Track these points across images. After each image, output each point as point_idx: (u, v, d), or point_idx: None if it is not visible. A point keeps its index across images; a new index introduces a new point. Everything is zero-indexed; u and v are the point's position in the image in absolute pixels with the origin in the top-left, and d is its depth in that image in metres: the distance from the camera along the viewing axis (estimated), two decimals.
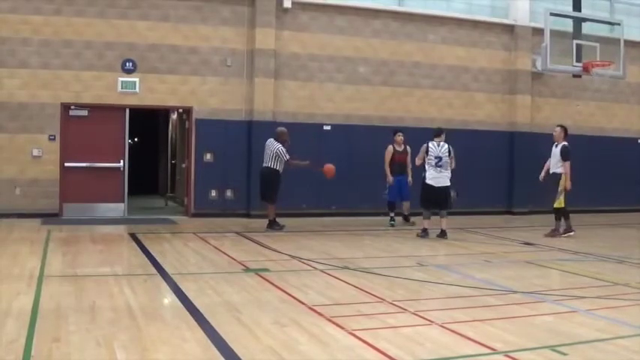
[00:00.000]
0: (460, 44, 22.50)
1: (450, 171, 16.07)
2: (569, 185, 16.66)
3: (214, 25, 19.63)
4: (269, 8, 19.88)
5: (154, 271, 11.32)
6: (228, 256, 12.99)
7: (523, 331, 7.99)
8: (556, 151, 16.96)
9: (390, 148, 18.71)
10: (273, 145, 17.18)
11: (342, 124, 20.75)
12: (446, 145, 16.06)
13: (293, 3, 20.13)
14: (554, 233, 16.88)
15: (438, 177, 15.96)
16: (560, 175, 16.70)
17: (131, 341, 7.11)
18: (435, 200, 16.08)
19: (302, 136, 19.44)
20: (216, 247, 14.09)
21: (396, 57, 21.57)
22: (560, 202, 16.78)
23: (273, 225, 17.27)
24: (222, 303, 8.96)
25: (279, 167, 17.16)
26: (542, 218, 18.92)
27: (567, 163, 16.70)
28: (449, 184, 16.14)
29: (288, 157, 17.14)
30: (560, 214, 16.95)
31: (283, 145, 17.17)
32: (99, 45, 18.67)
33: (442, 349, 7.19)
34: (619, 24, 21.92)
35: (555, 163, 16.89)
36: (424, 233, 16.19)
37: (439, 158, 15.92)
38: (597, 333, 7.89)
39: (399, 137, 18.78)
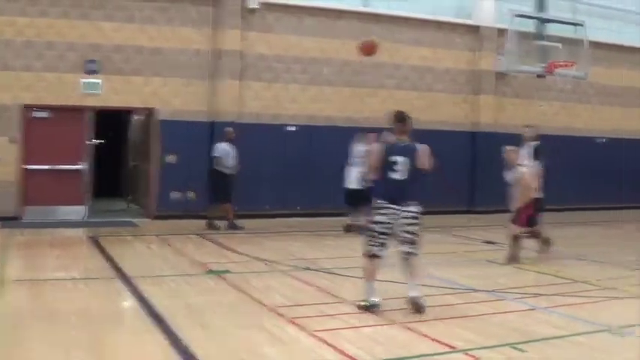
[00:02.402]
0: (424, 45, 22.53)
1: None
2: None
3: (179, 26, 19.47)
4: (235, 9, 19.79)
5: (114, 274, 11.22)
6: (190, 258, 12.94)
7: (483, 329, 8.04)
8: (528, 151, 16.97)
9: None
10: (216, 147, 17.56)
11: (306, 125, 20.70)
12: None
13: (259, 4, 20.05)
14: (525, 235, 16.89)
15: None
16: None
17: (91, 345, 7.06)
18: None
19: (266, 137, 19.45)
20: (177, 250, 14.02)
21: (359, 58, 21.49)
22: None
23: (230, 225, 17.50)
24: (184, 306, 8.92)
25: (221, 168, 17.38)
26: (504, 217, 19.00)
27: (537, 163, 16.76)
28: None
29: (215, 154, 17.46)
30: None
31: (232, 144, 17.42)
32: (62, 46, 18.43)
33: (402, 348, 7.22)
34: (582, 25, 22.13)
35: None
36: None
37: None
38: (556, 330, 7.96)
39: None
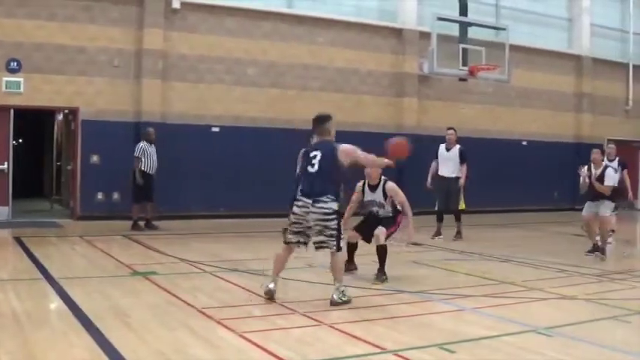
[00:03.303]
0: (348, 47, 22.68)
1: None
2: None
3: (102, 25, 19.27)
4: (158, 9, 19.65)
5: (39, 275, 11.04)
6: (116, 259, 12.77)
7: (412, 330, 8.10)
8: (452, 154, 17.16)
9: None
10: (136, 148, 17.61)
11: (231, 126, 20.65)
12: None
13: (182, 4, 19.96)
14: (459, 235, 17.10)
15: None
16: (459, 178, 16.93)
17: (17, 348, 6.92)
18: None
19: (191, 137, 19.38)
20: (103, 251, 13.84)
21: (284, 59, 21.60)
22: (462, 204, 17.05)
23: (134, 226, 17.44)
24: (110, 307, 8.80)
25: (141, 168, 17.36)
26: (428, 219, 19.20)
27: (465, 166, 16.97)
28: None
29: (136, 154, 17.44)
30: (460, 215, 17.19)
31: (153, 144, 17.48)
32: None
33: (331, 349, 7.22)
34: (504, 29, 22.50)
35: (453, 167, 17.07)
36: None
37: None
38: (484, 330, 8.05)
39: None
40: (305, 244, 9.52)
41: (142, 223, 17.44)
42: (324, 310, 8.87)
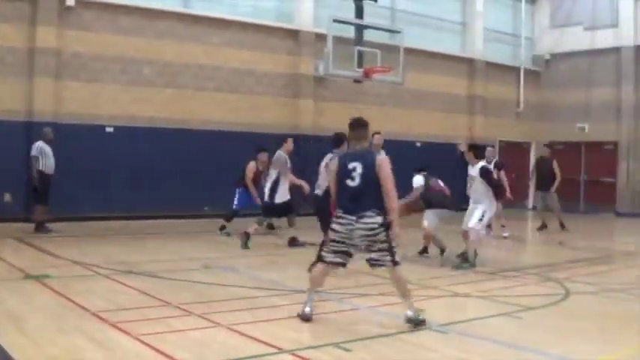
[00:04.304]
0: (244, 48, 22.64)
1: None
2: None
3: None
4: (51, 6, 19.24)
5: None
6: (8, 262, 12.47)
7: (309, 329, 8.17)
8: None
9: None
10: (33, 147, 17.11)
11: (126, 126, 20.35)
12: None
13: (76, 1, 19.58)
14: None
15: None
16: None
17: None
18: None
19: (84, 137, 19.07)
20: None
21: (180, 59, 21.42)
22: None
23: (38, 228, 17.03)
24: (3, 312, 8.62)
25: (39, 168, 16.91)
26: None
27: None
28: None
29: (33, 154, 16.96)
30: None
31: (50, 144, 17.05)
32: None
33: (229, 350, 7.22)
34: (399, 32, 22.82)
35: None
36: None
37: None
38: (380, 329, 8.17)
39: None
40: (344, 265, 8.74)
41: (48, 225, 17.02)
42: (221, 312, 8.86)
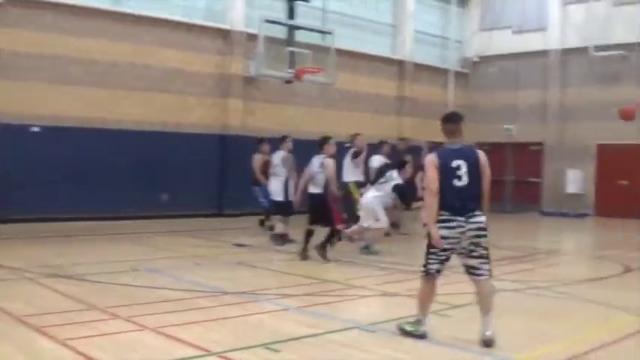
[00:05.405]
0: (175, 47, 22.37)
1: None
2: None
3: None
4: None
5: None
6: None
7: (236, 331, 8.11)
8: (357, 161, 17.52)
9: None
10: None
11: (52, 126, 19.84)
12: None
13: None
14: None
15: None
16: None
17: None
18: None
19: (8, 137, 18.71)
20: None
21: (109, 57, 21.07)
22: None
23: None
24: None
25: None
26: (253, 220, 19.33)
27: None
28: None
29: None
30: None
31: None
32: None
33: (157, 353, 7.13)
34: (330, 33, 22.87)
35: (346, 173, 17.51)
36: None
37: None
38: (309, 329, 8.13)
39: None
40: (441, 272, 8.09)
41: None
42: (147, 314, 8.74)
